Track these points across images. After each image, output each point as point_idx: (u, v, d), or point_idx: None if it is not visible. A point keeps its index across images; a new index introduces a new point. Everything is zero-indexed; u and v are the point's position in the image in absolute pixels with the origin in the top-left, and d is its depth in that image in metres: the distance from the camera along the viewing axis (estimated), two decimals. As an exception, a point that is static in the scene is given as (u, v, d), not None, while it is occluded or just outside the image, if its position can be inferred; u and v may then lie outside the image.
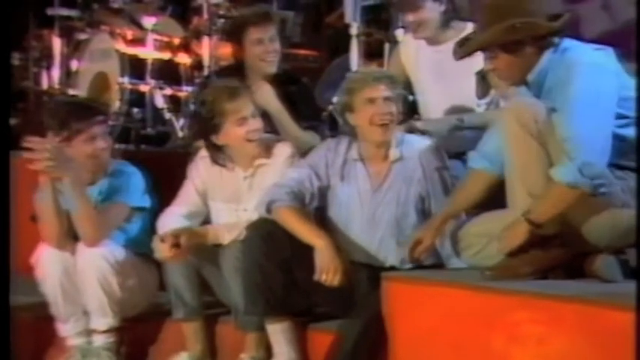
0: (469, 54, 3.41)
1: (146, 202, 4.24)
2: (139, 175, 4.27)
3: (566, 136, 3.13)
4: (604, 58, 3.24)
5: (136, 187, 4.24)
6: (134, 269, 4.16)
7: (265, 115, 4.18)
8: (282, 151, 4.02)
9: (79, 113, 4.21)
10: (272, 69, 4.52)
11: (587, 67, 3.18)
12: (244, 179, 4.04)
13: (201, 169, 4.13)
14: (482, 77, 3.98)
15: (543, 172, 3.19)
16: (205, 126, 4.01)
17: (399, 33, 4.83)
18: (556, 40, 3.27)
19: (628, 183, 3.20)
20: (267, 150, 4.02)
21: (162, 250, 3.89)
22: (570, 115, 3.14)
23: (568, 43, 3.30)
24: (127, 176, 4.25)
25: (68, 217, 4.16)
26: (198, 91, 5.02)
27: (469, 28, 4.05)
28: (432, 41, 4.16)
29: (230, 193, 4.07)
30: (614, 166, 3.20)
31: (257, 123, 3.98)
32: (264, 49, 4.51)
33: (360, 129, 3.77)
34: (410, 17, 4.08)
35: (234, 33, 4.66)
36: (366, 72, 3.85)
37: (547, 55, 3.27)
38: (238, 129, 3.95)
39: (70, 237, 4.14)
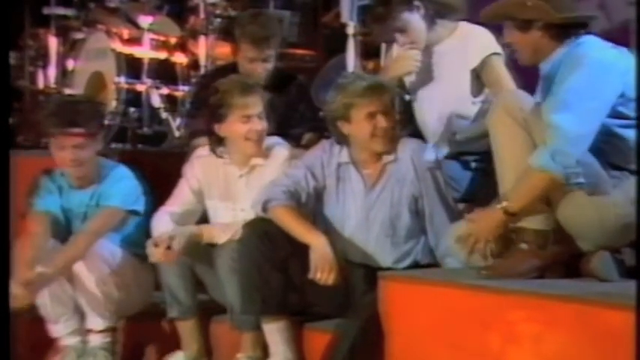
0: (484, 22, 3.47)
1: (140, 205, 4.22)
2: (132, 179, 4.26)
3: (548, 123, 3.13)
4: (614, 55, 3.23)
5: (130, 190, 4.22)
6: (131, 269, 4.17)
7: (271, 118, 4.18)
8: (280, 153, 4.03)
9: (55, 118, 4.15)
10: (259, 82, 4.53)
11: (591, 60, 3.18)
12: (240, 177, 4.04)
13: (196, 169, 4.13)
14: (476, 75, 3.99)
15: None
16: (211, 113, 4.01)
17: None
18: (573, 35, 3.28)
19: (622, 183, 3.18)
20: (264, 151, 4.02)
21: (155, 254, 3.90)
22: (558, 103, 3.14)
23: (585, 38, 3.30)
24: (120, 180, 4.24)
25: (57, 220, 4.18)
26: (194, 90, 5.03)
27: (461, 26, 4.05)
28: (425, 45, 4.14)
29: (226, 192, 4.07)
30: (610, 165, 3.20)
31: (261, 124, 3.98)
32: (254, 68, 4.54)
33: (357, 139, 3.76)
34: (401, 39, 4.07)
35: (230, 37, 4.67)
36: (366, 86, 3.74)
37: (563, 49, 3.28)
38: (241, 125, 3.95)
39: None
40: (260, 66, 4.56)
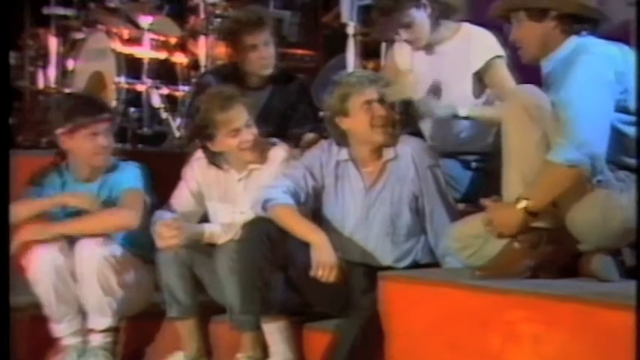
0: (499, 15, 3.39)
1: (149, 197, 4.22)
2: (142, 169, 4.28)
3: (566, 118, 3.09)
4: (613, 49, 3.22)
5: (142, 178, 4.24)
6: (133, 269, 4.17)
7: (261, 119, 4.18)
8: (277, 155, 4.02)
9: (85, 108, 4.22)
10: (267, 71, 4.57)
11: (594, 55, 3.17)
12: (239, 181, 4.05)
13: (195, 171, 4.14)
14: (478, 77, 3.99)
15: (541, 159, 3.14)
16: (200, 134, 4.03)
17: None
18: (583, 29, 3.26)
19: (628, 186, 3.15)
20: (261, 154, 4.02)
21: (164, 233, 3.89)
22: (569, 97, 3.11)
23: (587, 37, 3.28)
24: (130, 168, 4.26)
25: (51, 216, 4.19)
26: (194, 91, 5.03)
27: (464, 27, 4.05)
28: (427, 45, 4.14)
29: (225, 194, 4.07)
30: (616, 165, 3.18)
31: (250, 133, 3.97)
32: (259, 55, 4.55)
33: (356, 132, 3.76)
34: (404, 35, 4.08)
35: (228, 37, 4.69)
36: (359, 75, 3.81)
37: (567, 46, 3.26)
38: (231, 140, 3.95)
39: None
40: (264, 50, 4.56)
